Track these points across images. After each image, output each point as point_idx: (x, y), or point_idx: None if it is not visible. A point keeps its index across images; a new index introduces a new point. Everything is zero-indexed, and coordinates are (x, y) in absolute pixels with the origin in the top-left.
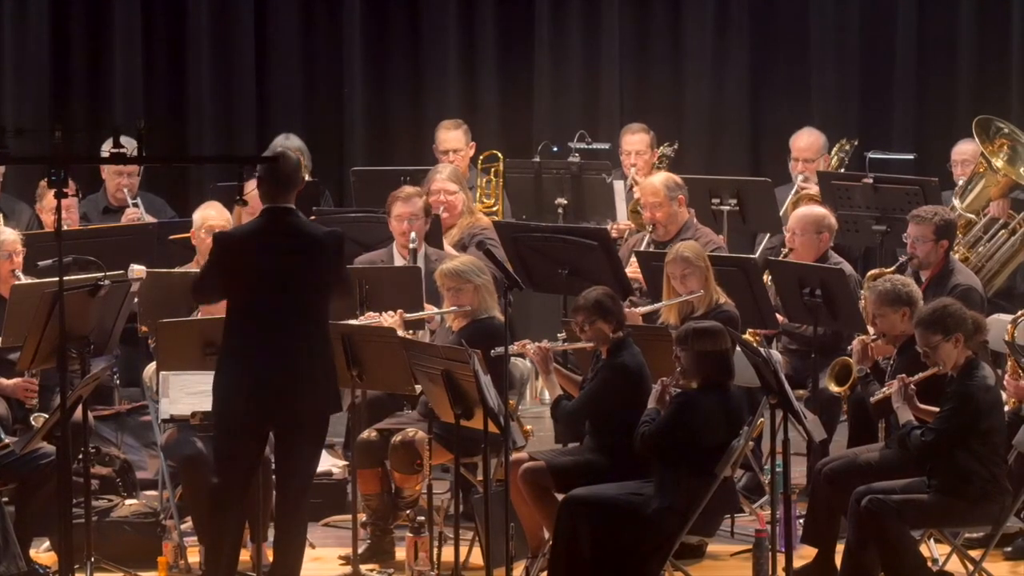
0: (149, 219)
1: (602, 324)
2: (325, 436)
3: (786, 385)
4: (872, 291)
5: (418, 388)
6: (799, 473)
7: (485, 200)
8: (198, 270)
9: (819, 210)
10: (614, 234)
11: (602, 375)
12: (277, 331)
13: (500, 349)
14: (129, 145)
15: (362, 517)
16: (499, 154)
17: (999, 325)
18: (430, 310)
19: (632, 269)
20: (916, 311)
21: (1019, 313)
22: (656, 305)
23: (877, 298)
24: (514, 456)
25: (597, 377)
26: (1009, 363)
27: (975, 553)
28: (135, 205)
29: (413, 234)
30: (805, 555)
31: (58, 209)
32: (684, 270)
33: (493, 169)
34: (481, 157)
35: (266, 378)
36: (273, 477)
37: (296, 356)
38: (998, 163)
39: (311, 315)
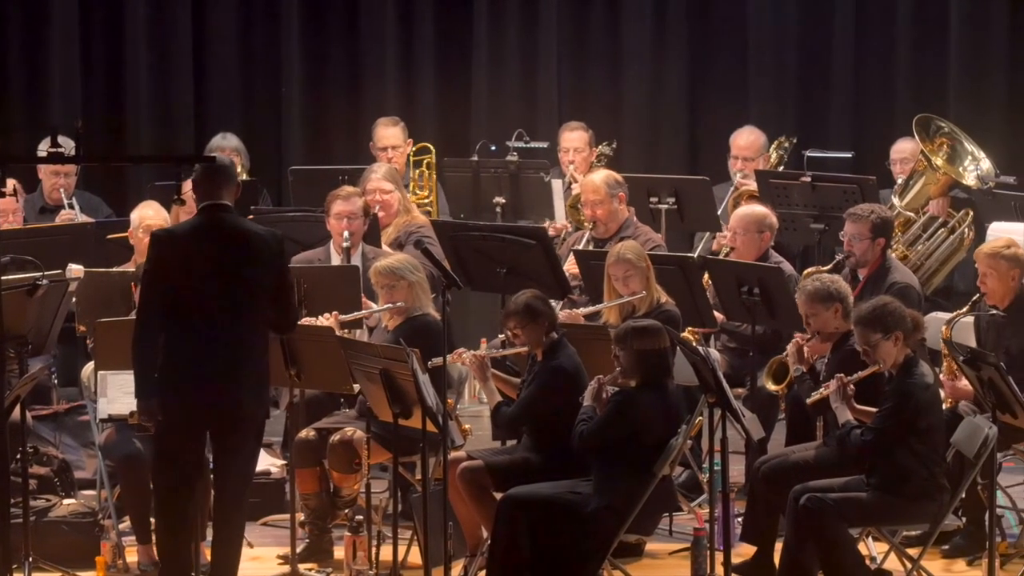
0: (84, 219)
1: (534, 328)
2: (262, 437)
3: (724, 383)
4: (801, 292)
5: (356, 387)
6: (737, 471)
7: (419, 192)
8: (134, 270)
9: (760, 209)
10: (551, 233)
11: (540, 379)
12: (214, 330)
13: (438, 360)
14: (67, 144)
15: (300, 516)
16: (430, 146)
17: (937, 323)
18: (365, 309)
19: (571, 266)
20: (847, 306)
21: (954, 314)
22: (598, 307)
23: (808, 298)
24: (452, 455)
25: (535, 382)
26: (945, 363)
27: (913, 551)
28: (70, 206)
29: (346, 233)
30: (743, 553)
31: None
32: (626, 272)
33: (425, 161)
34: (412, 149)
35: (202, 378)
36: (212, 477)
37: (232, 356)
38: (938, 161)
39: (248, 314)
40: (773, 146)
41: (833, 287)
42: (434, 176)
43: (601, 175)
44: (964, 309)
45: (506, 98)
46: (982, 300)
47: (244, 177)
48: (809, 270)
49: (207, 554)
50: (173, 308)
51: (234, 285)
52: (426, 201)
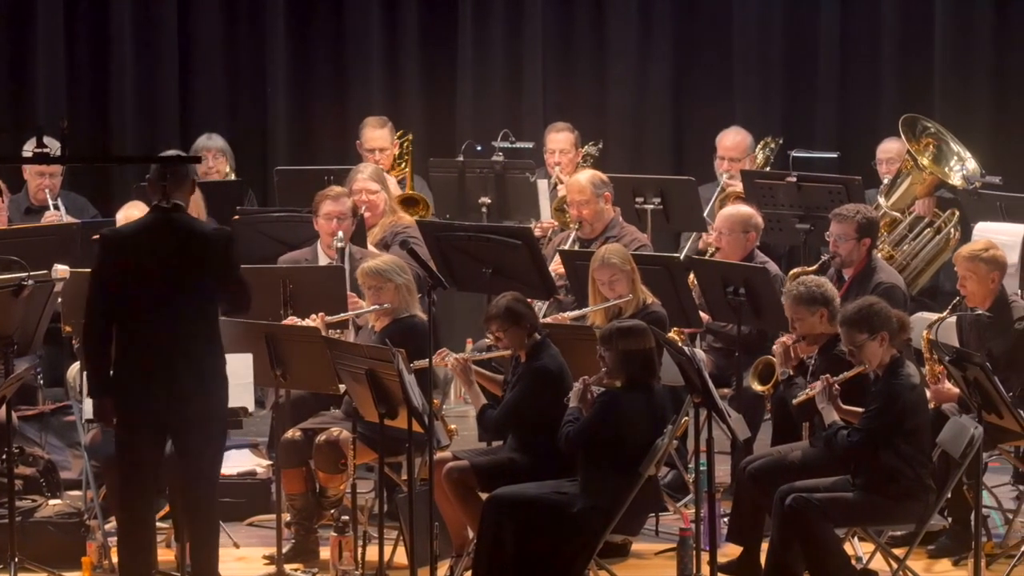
0: (70, 220)
1: (516, 330)
2: (223, 437)
3: (710, 384)
4: (787, 296)
5: (342, 387)
6: (723, 471)
7: (398, 166)
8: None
9: (746, 209)
10: (538, 232)
11: (524, 382)
12: (161, 330)
13: (421, 362)
14: (52, 145)
15: (286, 517)
16: (407, 132)
17: (923, 324)
18: (353, 310)
19: (556, 266)
20: (833, 310)
21: (936, 318)
22: (583, 311)
23: (793, 302)
24: (438, 455)
25: (519, 384)
26: (928, 367)
27: (899, 551)
28: (55, 207)
29: (340, 233)
30: (729, 553)
31: None
32: (612, 276)
33: (405, 143)
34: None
35: (151, 378)
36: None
37: (179, 356)
38: (924, 161)
39: (196, 314)
40: (759, 146)
41: (818, 291)
42: (410, 156)
43: (587, 175)
44: (945, 313)
45: (491, 98)
46: (963, 303)
47: (231, 177)
48: (795, 270)
49: None
50: (122, 308)
51: (181, 284)
52: (404, 171)
